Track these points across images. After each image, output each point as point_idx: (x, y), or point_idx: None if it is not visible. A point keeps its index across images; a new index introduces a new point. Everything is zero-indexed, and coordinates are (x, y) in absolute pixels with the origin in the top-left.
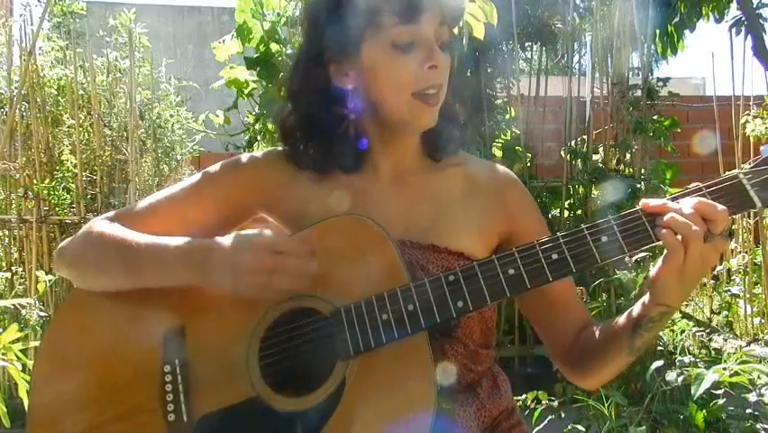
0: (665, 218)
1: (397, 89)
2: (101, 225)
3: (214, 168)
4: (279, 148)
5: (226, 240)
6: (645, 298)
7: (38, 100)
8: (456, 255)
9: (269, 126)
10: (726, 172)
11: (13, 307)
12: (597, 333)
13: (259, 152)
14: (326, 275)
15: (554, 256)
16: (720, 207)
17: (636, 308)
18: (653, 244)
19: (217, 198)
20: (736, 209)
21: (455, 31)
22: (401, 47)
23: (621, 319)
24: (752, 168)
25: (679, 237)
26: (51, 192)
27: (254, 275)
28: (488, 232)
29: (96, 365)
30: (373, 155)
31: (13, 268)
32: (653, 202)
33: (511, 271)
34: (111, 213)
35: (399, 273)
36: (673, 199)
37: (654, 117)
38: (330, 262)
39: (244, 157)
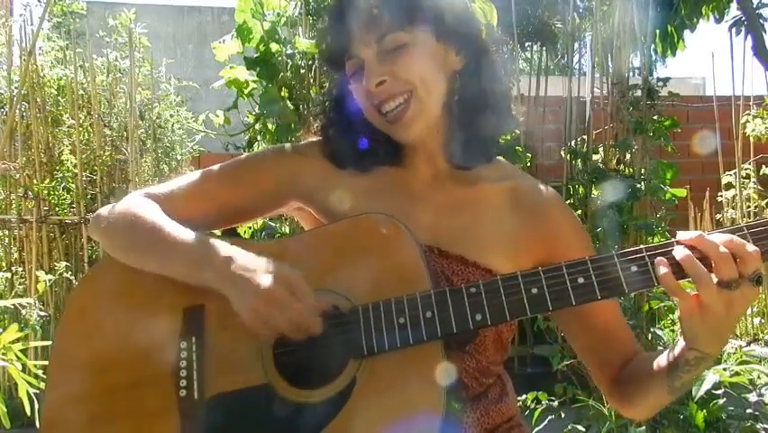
0: (678, 256)
1: (366, 112)
2: (141, 203)
3: (254, 154)
4: (317, 139)
5: (250, 256)
6: (681, 339)
7: (38, 100)
8: (483, 271)
9: (270, 126)
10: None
11: (13, 307)
12: (639, 365)
13: (300, 142)
14: (348, 272)
15: (580, 280)
16: (751, 246)
17: (675, 349)
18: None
19: (254, 185)
20: None
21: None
22: (353, 77)
23: (661, 358)
24: None
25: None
26: (51, 192)
27: (259, 301)
28: (521, 253)
29: (115, 332)
30: (409, 154)
31: (13, 268)
32: (687, 235)
33: (534, 291)
34: (148, 190)
35: (422, 279)
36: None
37: (654, 117)
38: (354, 258)
39: (285, 146)
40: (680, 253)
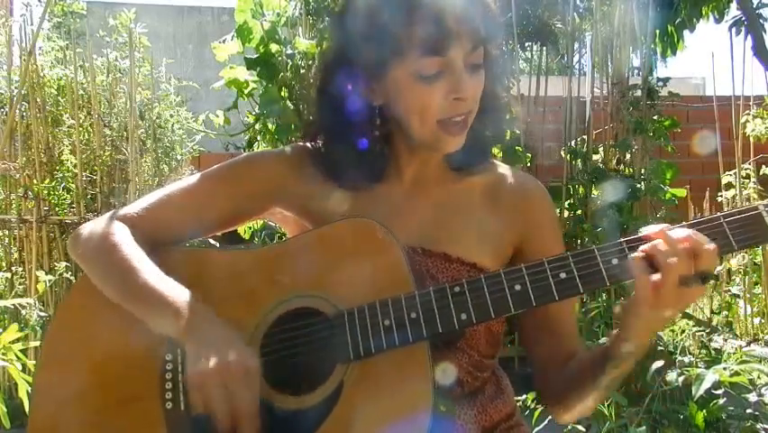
0: (646, 246)
1: (422, 117)
2: (117, 236)
3: (236, 160)
4: (303, 144)
5: (217, 321)
6: (615, 332)
7: (38, 100)
8: (468, 266)
9: (270, 126)
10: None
11: (13, 307)
12: (574, 364)
13: (283, 147)
14: (333, 276)
15: (562, 275)
16: (709, 245)
17: (607, 344)
18: None
19: (235, 190)
20: (754, 241)
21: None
22: (426, 78)
23: (592, 354)
24: None
25: (653, 276)
26: (51, 192)
27: (211, 376)
28: (503, 245)
29: (100, 350)
30: (397, 163)
31: (13, 268)
32: (651, 229)
33: (518, 287)
34: (126, 211)
35: (405, 280)
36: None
37: (654, 117)
38: (337, 263)
39: (267, 151)
40: (648, 244)
